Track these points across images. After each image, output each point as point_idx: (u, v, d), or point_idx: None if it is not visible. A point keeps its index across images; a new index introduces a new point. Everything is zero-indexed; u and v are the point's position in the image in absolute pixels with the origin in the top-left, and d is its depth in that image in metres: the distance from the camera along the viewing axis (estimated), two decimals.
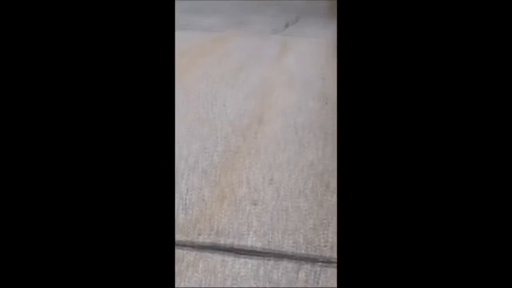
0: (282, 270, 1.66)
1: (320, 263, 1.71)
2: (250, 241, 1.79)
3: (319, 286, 1.53)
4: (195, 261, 1.67)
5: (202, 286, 1.52)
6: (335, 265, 1.70)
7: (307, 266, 1.68)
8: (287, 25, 6.70)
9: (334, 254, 1.76)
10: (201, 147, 2.47)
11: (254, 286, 1.61)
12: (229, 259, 1.70)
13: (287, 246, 1.77)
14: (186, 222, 1.87)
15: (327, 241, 1.80)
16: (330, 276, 1.65)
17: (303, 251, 1.76)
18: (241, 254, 1.71)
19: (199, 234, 1.80)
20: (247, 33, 6.10)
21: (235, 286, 1.55)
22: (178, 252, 1.68)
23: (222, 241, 1.80)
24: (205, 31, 5.81)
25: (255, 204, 2.00)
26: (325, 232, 1.87)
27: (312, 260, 1.72)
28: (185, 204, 2.00)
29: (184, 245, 1.74)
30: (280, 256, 1.73)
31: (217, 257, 1.71)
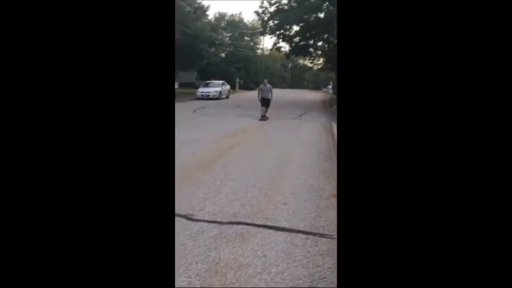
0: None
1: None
2: (282, 220, 1.80)
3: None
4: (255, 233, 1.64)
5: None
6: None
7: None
8: (300, 115, 7.57)
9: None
10: (257, 176, 2.66)
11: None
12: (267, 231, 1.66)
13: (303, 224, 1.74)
14: (249, 213, 1.94)
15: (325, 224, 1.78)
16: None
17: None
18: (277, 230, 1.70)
19: (258, 218, 1.84)
20: (279, 119, 6.82)
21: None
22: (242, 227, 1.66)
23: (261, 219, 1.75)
24: (256, 118, 6.44)
25: (285, 204, 2.10)
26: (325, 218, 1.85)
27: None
28: (249, 202, 2.13)
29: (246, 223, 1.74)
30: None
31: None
